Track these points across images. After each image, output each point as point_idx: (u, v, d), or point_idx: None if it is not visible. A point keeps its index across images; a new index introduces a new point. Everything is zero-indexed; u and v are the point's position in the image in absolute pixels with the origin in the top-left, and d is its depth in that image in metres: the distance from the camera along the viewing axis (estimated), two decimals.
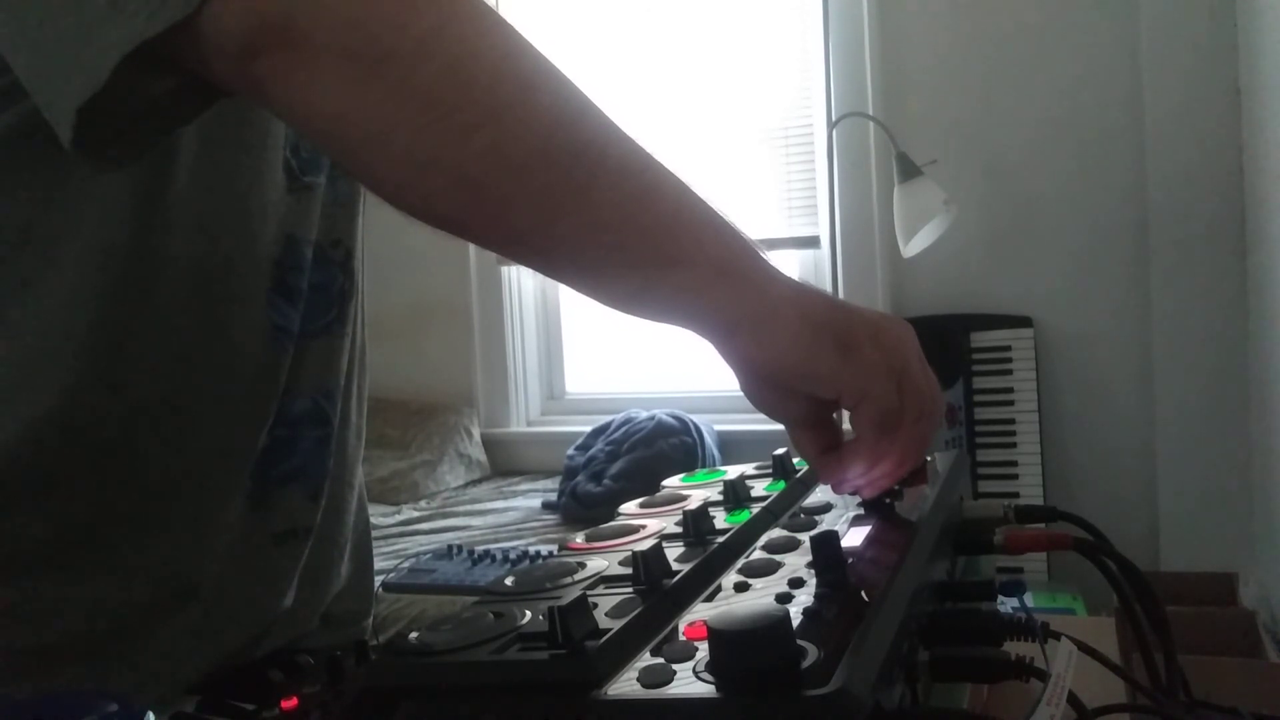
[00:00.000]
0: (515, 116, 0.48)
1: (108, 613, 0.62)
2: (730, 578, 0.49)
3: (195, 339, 0.63)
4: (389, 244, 1.47)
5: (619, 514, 0.66)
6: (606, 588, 0.48)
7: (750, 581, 0.48)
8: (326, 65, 0.46)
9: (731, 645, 0.37)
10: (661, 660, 0.39)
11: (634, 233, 0.49)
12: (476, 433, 2.97)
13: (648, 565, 0.48)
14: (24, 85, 0.47)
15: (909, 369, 0.52)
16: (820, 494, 0.64)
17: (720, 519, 0.58)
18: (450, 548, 2.24)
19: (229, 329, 0.65)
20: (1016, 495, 2.41)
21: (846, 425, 0.55)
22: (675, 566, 0.49)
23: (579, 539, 0.60)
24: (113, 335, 0.59)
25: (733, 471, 0.70)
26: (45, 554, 0.61)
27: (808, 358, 0.50)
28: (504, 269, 2.99)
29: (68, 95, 0.45)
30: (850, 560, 0.48)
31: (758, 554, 0.53)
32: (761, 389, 0.53)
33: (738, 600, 0.46)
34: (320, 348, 0.72)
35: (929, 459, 0.63)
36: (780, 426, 0.56)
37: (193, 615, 0.66)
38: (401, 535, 2.44)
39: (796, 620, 0.40)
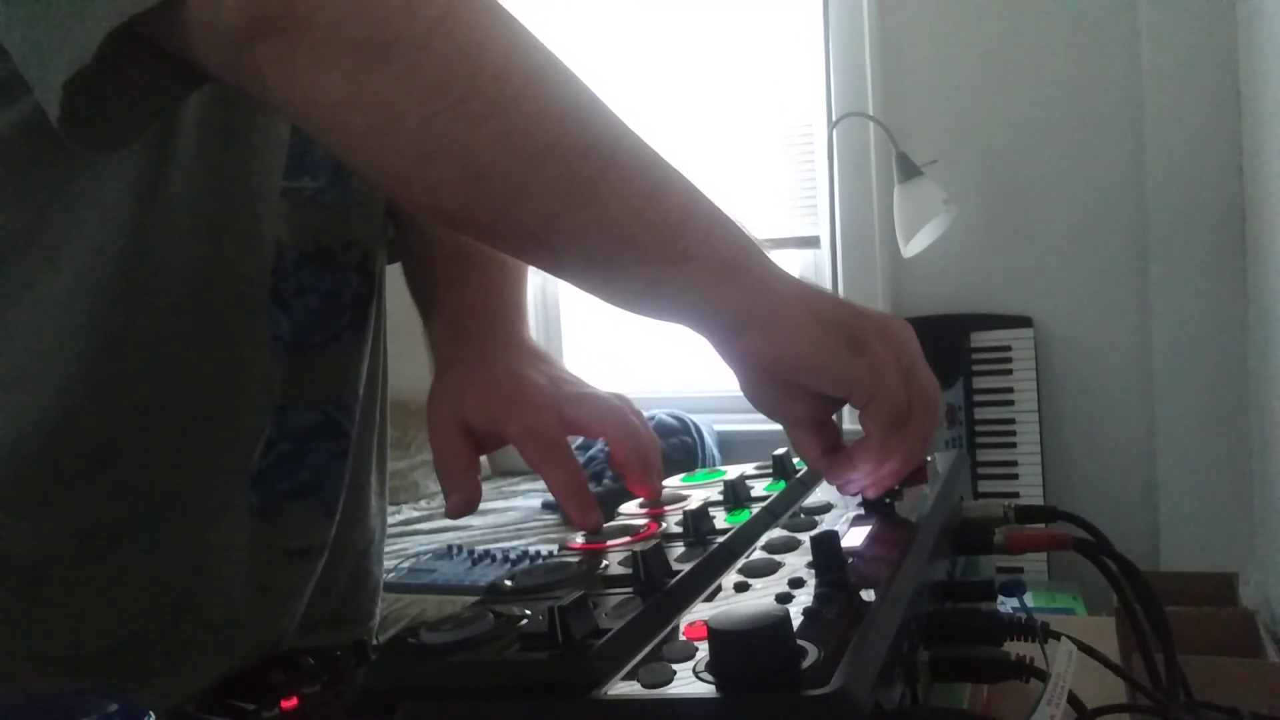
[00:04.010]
0: (525, 108, 0.47)
1: (101, 626, 0.61)
2: (730, 578, 0.49)
3: (192, 345, 0.62)
4: None
5: (619, 514, 0.66)
6: (606, 588, 0.48)
7: (750, 581, 0.48)
8: (329, 52, 0.45)
9: (731, 645, 0.37)
10: (661, 660, 0.39)
11: (644, 228, 0.49)
12: None
13: (648, 565, 0.48)
14: (18, 65, 0.47)
15: (915, 366, 0.52)
16: (820, 494, 0.64)
17: (720, 519, 0.58)
18: (450, 548, 2.24)
19: (228, 335, 0.64)
20: (1016, 495, 2.41)
21: (851, 425, 0.55)
22: (675, 566, 0.49)
23: (579, 539, 0.60)
24: (109, 338, 0.58)
25: (733, 471, 0.70)
26: (36, 564, 0.60)
27: (820, 355, 0.50)
28: None
29: (56, 71, 0.44)
30: (850, 560, 0.48)
31: (758, 554, 0.53)
32: (764, 389, 0.53)
33: (738, 600, 0.46)
34: (328, 358, 0.70)
35: (929, 459, 0.63)
36: (780, 426, 0.56)
37: (195, 631, 0.65)
38: (401, 535, 2.44)
39: (796, 620, 0.40)
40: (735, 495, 0.63)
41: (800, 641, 0.38)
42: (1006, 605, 0.60)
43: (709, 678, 0.37)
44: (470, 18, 0.47)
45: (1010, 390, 2.49)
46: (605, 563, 0.53)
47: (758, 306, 0.50)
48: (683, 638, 0.42)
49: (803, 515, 0.59)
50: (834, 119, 2.57)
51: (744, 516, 0.59)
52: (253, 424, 0.66)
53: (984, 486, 2.43)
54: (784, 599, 0.44)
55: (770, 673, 0.36)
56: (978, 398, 2.50)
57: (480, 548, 2.24)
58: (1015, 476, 2.45)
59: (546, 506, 2.59)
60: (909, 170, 2.39)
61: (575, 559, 0.55)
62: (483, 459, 0.64)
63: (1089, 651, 0.51)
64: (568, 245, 0.49)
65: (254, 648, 0.68)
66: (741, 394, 0.54)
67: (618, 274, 0.50)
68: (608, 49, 2.89)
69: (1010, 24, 2.49)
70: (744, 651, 0.36)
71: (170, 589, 0.64)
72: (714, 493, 0.66)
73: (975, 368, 2.51)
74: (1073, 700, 0.45)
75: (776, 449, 0.68)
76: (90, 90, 0.45)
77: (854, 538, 0.52)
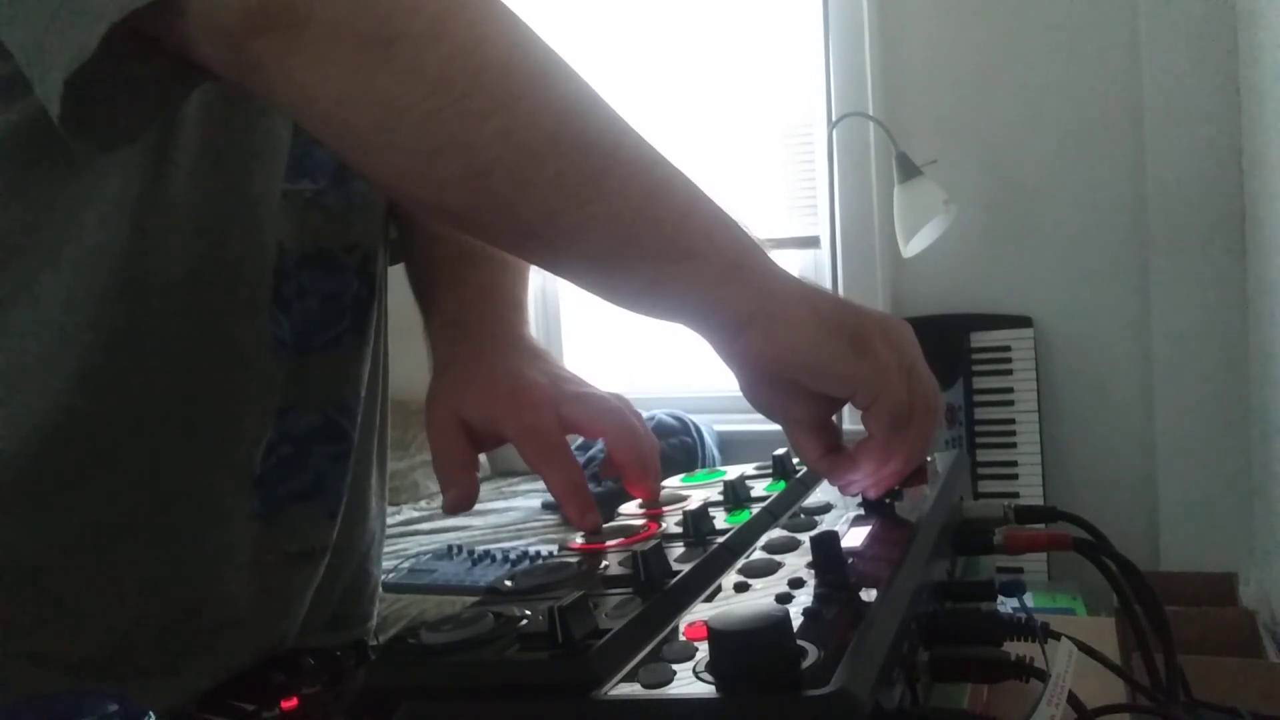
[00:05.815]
0: (527, 106, 0.47)
1: (101, 626, 0.61)
2: (730, 578, 0.49)
3: (194, 346, 0.62)
4: None
5: (619, 514, 0.66)
6: (606, 588, 0.48)
7: (750, 581, 0.48)
8: (331, 47, 0.44)
9: (731, 645, 0.37)
10: (661, 660, 0.39)
11: (646, 226, 0.49)
12: None
13: (648, 565, 0.48)
14: (19, 64, 0.47)
15: (916, 366, 0.52)
16: (820, 494, 0.64)
17: (720, 519, 0.58)
18: (450, 548, 2.24)
19: (229, 337, 0.63)
20: (1016, 495, 2.41)
21: (851, 425, 0.55)
22: (675, 567, 0.49)
23: (579, 539, 0.60)
24: (109, 339, 0.58)
25: (733, 471, 0.70)
26: (37, 564, 0.59)
27: (824, 355, 0.49)
28: None
29: (57, 68, 0.44)
30: (850, 560, 0.48)
31: (758, 554, 0.53)
32: (765, 389, 0.53)
33: (738, 600, 0.46)
34: (329, 361, 0.70)
35: (929, 459, 0.63)
36: (780, 426, 0.56)
37: (196, 633, 0.65)
38: (401, 535, 2.44)
39: (796, 620, 0.40)
40: (735, 495, 0.63)
41: (800, 641, 0.38)
42: (1006, 605, 0.60)
43: (709, 678, 0.37)
44: (472, 15, 0.47)
45: (1010, 390, 2.49)
46: (605, 563, 0.53)
47: (759, 306, 0.49)
48: (683, 638, 0.42)
49: (803, 515, 0.59)
50: (834, 119, 2.57)
51: (744, 516, 0.59)
52: (254, 426, 0.66)
53: (984, 486, 2.43)
54: (784, 599, 0.44)
55: (770, 673, 0.36)
56: (978, 398, 2.50)
57: (480, 548, 2.24)
58: (1015, 476, 2.45)
59: (546, 507, 2.59)
60: (909, 170, 2.39)
61: (575, 559, 0.55)
62: (483, 459, 0.64)
63: (1089, 651, 0.51)
64: (569, 243, 0.49)
65: (255, 650, 0.68)
66: (741, 394, 0.53)
67: (618, 272, 0.50)
68: (607, 48, 2.89)
69: (1010, 24, 2.49)
70: (744, 651, 0.36)
71: (171, 591, 0.63)
72: (714, 493, 0.66)
73: (975, 368, 2.51)
74: (1073, 700, 0.45)
75: (776, 449, 0.68)
76: (91, 88, 0.45)
77: (854, 538, 0.52)
